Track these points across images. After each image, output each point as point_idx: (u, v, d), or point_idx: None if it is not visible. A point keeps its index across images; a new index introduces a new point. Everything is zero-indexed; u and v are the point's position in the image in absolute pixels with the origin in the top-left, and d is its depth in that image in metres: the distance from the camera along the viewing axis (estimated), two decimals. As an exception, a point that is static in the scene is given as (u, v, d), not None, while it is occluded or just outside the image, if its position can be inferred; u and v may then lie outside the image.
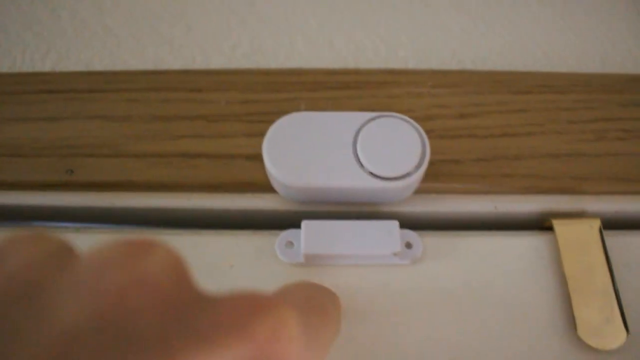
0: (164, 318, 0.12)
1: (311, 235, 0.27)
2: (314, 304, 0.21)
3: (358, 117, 0.28)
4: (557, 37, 0.36)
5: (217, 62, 0.35)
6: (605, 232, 0.29)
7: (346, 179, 0.27)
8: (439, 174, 0.30)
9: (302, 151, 0.27)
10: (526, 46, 0.35)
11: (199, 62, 0.35)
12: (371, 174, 0.27)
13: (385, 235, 0.27)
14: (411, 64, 0.34)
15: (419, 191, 0.29)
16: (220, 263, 0.28)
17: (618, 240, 0.29)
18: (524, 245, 0.29)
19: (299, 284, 0.24)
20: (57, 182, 0.30)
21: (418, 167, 0.27)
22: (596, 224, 0.29)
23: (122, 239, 0.14)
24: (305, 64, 0.34)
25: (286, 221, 0.31)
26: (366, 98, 0.31)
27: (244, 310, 0.14)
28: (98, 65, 0.35)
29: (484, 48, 0.35)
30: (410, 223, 0.29)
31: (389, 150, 0.27)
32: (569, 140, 0.31)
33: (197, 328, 0.12)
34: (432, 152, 0.29)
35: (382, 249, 0.27)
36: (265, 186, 0.29)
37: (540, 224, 0.30)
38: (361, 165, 0.27)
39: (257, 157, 0.30)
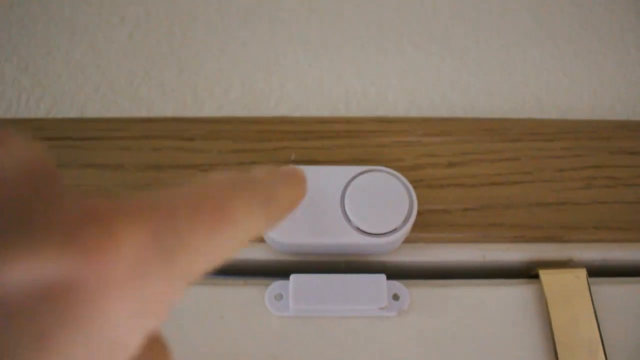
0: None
1: (300, 289, 0.28)
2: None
3: (346, 171, 0.28)
4: (547, 79, 0.36)
5: (208, 105, 0.35)
6: (591, 280, 0.29)
7: (334, 235, 0.27)
8: (427, 224, 0.30)
9: (290, 206, 0.28)
10: (517, 89, 0.36)
11: (190, 106, 0.35)
12: (358, 229, 0.27)
13: (372, 290, 0.28)
14: (401, 108, 0.34)
15: (408, 240, 0.30)
16: (211, 314, 0.29)
17: (605, 289, 0.29)
18: (512, 295, 0.29)
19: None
20: (52, 231, 0.30)
21: (405, 222, 0.28)
22: (582, 274, 0.29)
23: None
24: (296, 108, 0.35)
25: (276, 269, 0.31)
26: (356, 147, 0.31)
27: (85, 214, 0.12)
28: (91, 109, 0.35)
29: (474, 91, 0.35)
30: (398, 272, 0.30)
31: (377, 205, 0.28)
32: (558, 188, 0.31)
33: (32, 225, 0.12)
34: (421, 202, 0.29)
35: (369, 303, 0.28)
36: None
37: (528, 272, 0.31)
38: (349, 220, 0.28)
39: (248, 207, 0.30)
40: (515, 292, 0.29)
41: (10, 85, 0.36)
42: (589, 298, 0.29)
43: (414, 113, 0.34)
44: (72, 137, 0.33)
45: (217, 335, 0.28)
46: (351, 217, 0.27)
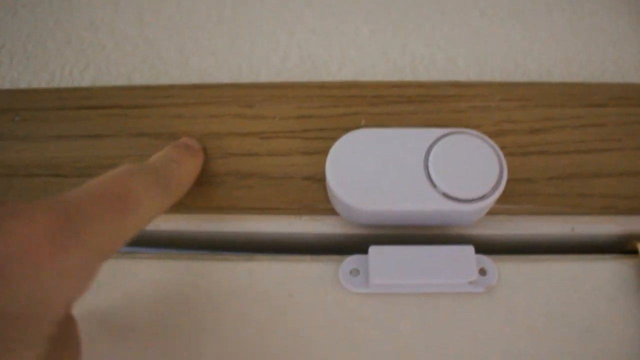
0: None
1: (380, 262, 0.25)
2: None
3: (428, 133, 0.26)
4: (626, 47, 0.34)
5: (265, 73, 0.33)
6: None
7: (418, 201, 0.25)
8: (511, 194, 0.28)
9: (369, 171, 0.25)
10: (593, 56, 0.33)
11: (246, 74, 0.33)
12: (445, 195, 0.25)
13: (459, 262, 0.25)
14: (473, 75, 0.32)
15: (490, 212, 0.27)
16: (279, 292, 0.26)
17: None
18: (606, 271, 0.27)
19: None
20: (102, 204, 0.28)
21: (495, 188, 0.25)
22: (685, 247, 0.27)
23: None
24: (360, 76, 0.32)
25: (348, 245, 0.29)
26: (431, 113, 0.29)
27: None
28: (139, 79, 0.33)
29: (548, 58, 0.33)
30: (482, 247, 0.27)
31: (464, 169, 0.25)
32: (650, 156, 0.29)
33: None
34: (504, 171, 0.27)
35: (457, 277, 0.25)
36: (324, 208, 0.27)
37: (622, 246, 0.28)
38: (434, 185, 0.25)
39: (315, 177, 0.28)
40: (611, 267, 0.27)
41: (53, 57, 0.34)
42: (694, 273, 0.26)
43: (487, 79, 0.32)
44: (120, 106, 0.30)
45: (286, 315, 0.26)
46: (437, 182, 0.25)
